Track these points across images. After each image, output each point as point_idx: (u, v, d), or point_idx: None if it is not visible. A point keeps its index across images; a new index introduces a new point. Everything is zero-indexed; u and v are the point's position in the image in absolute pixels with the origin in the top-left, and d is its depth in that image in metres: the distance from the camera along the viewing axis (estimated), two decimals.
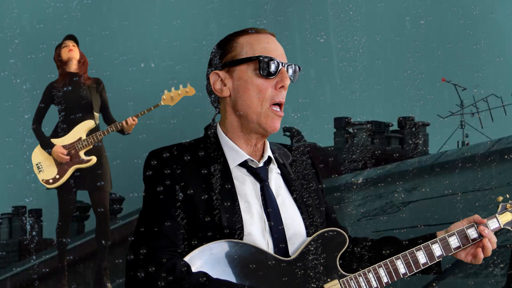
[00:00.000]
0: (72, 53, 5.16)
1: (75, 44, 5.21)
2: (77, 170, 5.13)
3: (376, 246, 2.03)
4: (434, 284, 4.60)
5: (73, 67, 5.19)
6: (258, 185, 1.90)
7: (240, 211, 1.84)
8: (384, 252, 1.98)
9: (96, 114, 5.21)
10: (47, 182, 5.11)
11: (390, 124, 13.63)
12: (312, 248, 1.86)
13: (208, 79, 1.94)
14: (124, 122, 5.08)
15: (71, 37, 5.25)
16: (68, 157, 5.06)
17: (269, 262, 1.81)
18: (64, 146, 5.09)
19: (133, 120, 5.08)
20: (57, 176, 5.12)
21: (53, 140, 5.11)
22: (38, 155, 5.16)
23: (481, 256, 2.03)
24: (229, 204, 1.83)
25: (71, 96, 5.15)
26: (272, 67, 1.89)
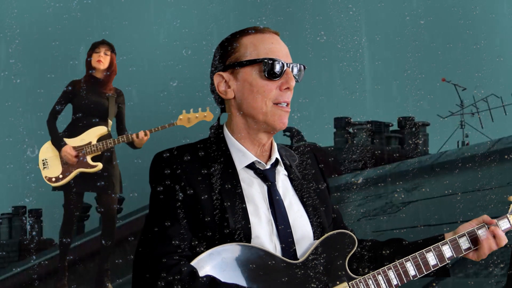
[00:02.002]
0: (99, 64, 5.15)
1: (107, 53, 5.18)
2: (85, 172, 5.11)
3: (383, 248, 2.01)
4: (434, 284, 4.60)
5: (99, 74, 5.18)
6: (265, 188, 1.89)
7: (248, 214, 1.82)
8: (384, 252, 1.96)
9: (110, 122, 5.19)
10: (49, 179, 5.10)
11: (390, 124, 13.62)
12: (321, 251, 1.84)
13: (211, 80, 1.92)
14: (135, 135, 5.05)
15: (107, 44, 5.20)
16: (75, 160, 5.05)
17: (277, 265, 1.79)
18: (73, 148, 5.08)
19: (145, 135, 5.05)
20: (61, 176, 5.11)
21: (65, 139, 5.09)
22: (46, 151, 5.14)
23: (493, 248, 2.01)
24: (236, 206, 1.81)
25: (89, 100, 5.13)
26: (277, 69, 1.86)
